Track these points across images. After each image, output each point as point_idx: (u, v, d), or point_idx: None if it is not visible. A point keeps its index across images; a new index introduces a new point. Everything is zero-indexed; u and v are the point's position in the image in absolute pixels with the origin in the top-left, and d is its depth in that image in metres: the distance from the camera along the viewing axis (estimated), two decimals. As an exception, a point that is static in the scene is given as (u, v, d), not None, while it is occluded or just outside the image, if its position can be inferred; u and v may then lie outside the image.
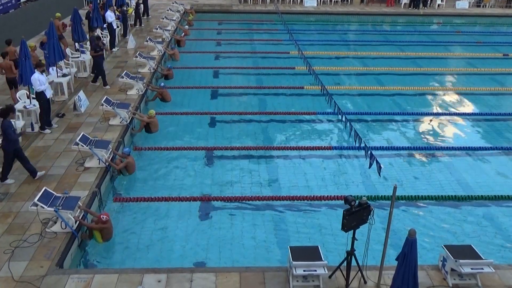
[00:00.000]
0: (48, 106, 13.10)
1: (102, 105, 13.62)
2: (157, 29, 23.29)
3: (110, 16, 20.81)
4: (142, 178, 11.75)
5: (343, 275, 7.69)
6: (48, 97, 12.97)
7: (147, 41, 20.71)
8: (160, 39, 22.19)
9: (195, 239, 9.63)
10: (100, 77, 16.61)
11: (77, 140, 11.36)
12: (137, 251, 9.22)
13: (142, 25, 26.08)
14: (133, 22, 25.82)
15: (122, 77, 16.00)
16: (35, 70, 12.73)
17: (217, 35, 25.75)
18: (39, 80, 12.60)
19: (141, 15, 26.60)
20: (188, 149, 13.06)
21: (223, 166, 12.43)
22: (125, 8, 23.87)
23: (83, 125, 13.51)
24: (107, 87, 16.45)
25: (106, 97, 14.02)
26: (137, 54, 18.52)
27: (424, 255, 9.07)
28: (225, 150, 13.10)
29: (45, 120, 13.04)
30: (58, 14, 19.15)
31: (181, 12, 28.94)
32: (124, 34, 23.28)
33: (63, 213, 8.89)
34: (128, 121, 13.69)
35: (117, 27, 21.97)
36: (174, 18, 26.54)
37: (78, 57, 17.59)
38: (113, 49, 20.97)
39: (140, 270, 8.24)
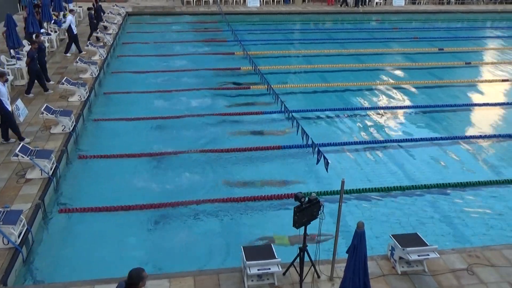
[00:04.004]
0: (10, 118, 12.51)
1: (43, 113, 13.11)
2: (97, 33, 22.66)
3: (69, 20, 20.21)
4: (89, 188, 11.38)
5: (297, 271, 7.78)
6: (9, 109, 12.42)
7: (87, 45, 20.13)
8: (101, 43, 21.64)
9: (148, 246, 9.45)
10: (42, 81, 16.06)
11: (17, 151, 10.86)
12: (87, 263, 8.90)
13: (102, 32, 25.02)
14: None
15: (63, 84, 15.45)
16: None
17: (160, 37, 25.37)
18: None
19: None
20: (136, 156, 12.75)
21: (172, 172, 12.24)
22: (93, 12, 23.41)
23: (23, 134, 12.89)
24: (50, 91, 16.01)
25: (46, 105, 13.50)
26: (77, 59, 17.96)
27: (374, 245, 9.33)
28: (174, 155, 12.89)
29: (16, 132, 12.54)
30: None
31: (122, 15, 28.31)
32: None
33: (4, 229, 8.47)
34: (71, 129, 13.25)
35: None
36: (115, 22, 25.93)
37: (14, 64, 16.82)
38: (67, 54, 20.42)
39: (90, 281, 7.98)
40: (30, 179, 10.81)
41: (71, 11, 21.68)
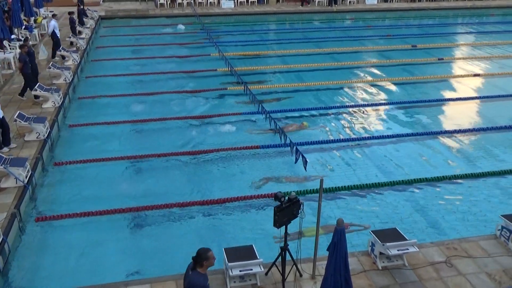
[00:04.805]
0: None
1: (16, 120, 12.85)
2: (70, 37, 22.31)
3: (53, 25, 19.88)
4: (66, 194, 11.19)
5: (279, 270, 7.80)
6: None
7: (60, 50, 19.81)
8: (75, 48, 21.34)
9: (128, 250, 9.35)
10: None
11: (-10, 160, 10.63)
12: (66, 271, 8.76)
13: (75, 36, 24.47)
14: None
15: (36, 90, 15.16)
16: None
17: (134, 41, 25.13)
18: None
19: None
20: (113, 159, 12.61)
21: (150, 175, 12.15)
22: (74, 16, 23.08)
23: (-4, 143, 12.63)
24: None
25: (19, 112, 13.23)
26: (50, 65, 17.65)
27: (355, 242, 9.41)
28: (152, 158, 12.79)
29: (6, 140, 12.34)
30: None
31: (95, 19, 27.96)
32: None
33: (-21, 240, 8.28)
34: (46, 135, 13.01)
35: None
36: (88, 26, 25.60)
37: (-15, 71, 16.47)
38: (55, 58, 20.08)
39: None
40: (4, 188, 10.58)
41: (53, 15, 21.35)
